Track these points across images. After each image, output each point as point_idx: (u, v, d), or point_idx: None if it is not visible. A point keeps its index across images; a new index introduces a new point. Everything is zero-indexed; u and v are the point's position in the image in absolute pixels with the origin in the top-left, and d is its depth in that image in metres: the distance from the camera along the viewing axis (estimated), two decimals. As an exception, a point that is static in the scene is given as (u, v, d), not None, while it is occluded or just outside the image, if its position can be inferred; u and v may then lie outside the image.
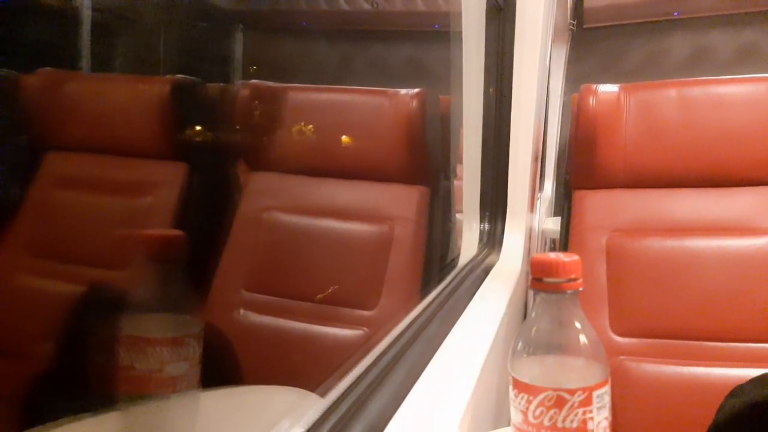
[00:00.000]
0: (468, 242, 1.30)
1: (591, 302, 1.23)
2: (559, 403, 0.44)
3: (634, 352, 1.18)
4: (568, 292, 0.47)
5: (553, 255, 0.49)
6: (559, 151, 3.31)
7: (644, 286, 1.23)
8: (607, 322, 1.21)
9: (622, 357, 1.17)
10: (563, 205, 1.47)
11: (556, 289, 0.47)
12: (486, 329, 0.81)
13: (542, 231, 1.94)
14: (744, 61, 3.72)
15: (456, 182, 1.48)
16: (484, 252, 1.26)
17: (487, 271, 1.13)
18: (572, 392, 0.44)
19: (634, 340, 1.19)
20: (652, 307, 1.21)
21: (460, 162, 1.40)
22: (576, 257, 0.49)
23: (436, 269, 1.33)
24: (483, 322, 0.84)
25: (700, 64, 3.84)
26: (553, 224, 1.77)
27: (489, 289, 1.01)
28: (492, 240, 1.29)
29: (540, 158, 1.65)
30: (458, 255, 1.29)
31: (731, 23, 3.79)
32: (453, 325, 0.79)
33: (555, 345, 0.47)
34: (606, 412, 0.45)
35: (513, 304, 1.02)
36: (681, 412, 1.11)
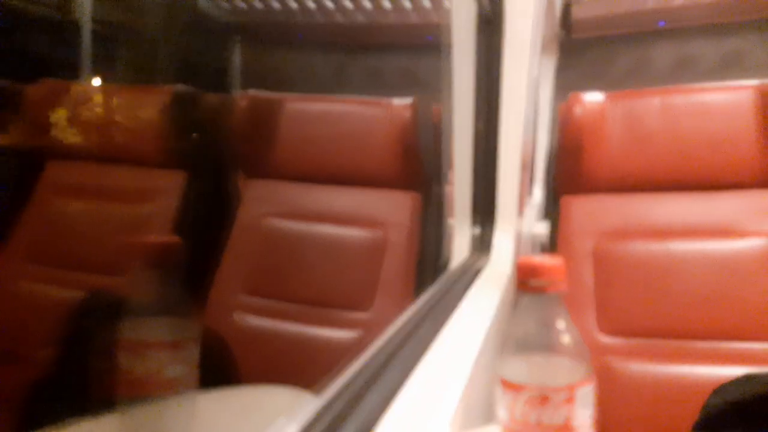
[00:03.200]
0: (459, 246, 1.30)
1: (578, 303, 1.23)
2: (543, 400, 0.44)
3: (621, 352, 1.18)
4: (552, 293, 0.48)
5: (537, 258, 0.50)
6: (548, 158, 3.31)
7: (630, 288, 1.24)
8: (594, 322, 1.22)
9: (608, 357, 1.18)
10: (551, 210, 1.48)
11: (539, 291, 0.48)
12: (476, 329, 0.81)
13: (531, 235, 1.94)
14: (728, 68, 3.75)
15: (448, 188, 1.49)
16: (474, 256, 1.26)
17: (477, 274, 1.13)
18: (556, 390, 0.44)
19: (620, 341, 1.20)
20: (638, 308, 1.22)
21: (453, 169, 1.41)
22: (559, 260, 0.49)
23: (429, 272, 1.33)
24: (473, 322, 0.84)
25: (685, 72, 3.87)
26: (542, 228, 1.78)
27: (479, 291, 1.02)
28: (482, 244, 1.29)
29: (530, 165, 1.66)
30: (451, 257, 1.30)
31: (716, 32, 3.82)
32: (444, 325, 0.80)
33: (539, 345, 0.48)
34: (590, 410, 0.45)
35: (502, 306, 1.03)
36: (666, 410, 1.11)
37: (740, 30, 3.75)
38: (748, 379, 0.64)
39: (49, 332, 0.89)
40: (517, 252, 1.34)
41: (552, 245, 1.42)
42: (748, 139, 1.29)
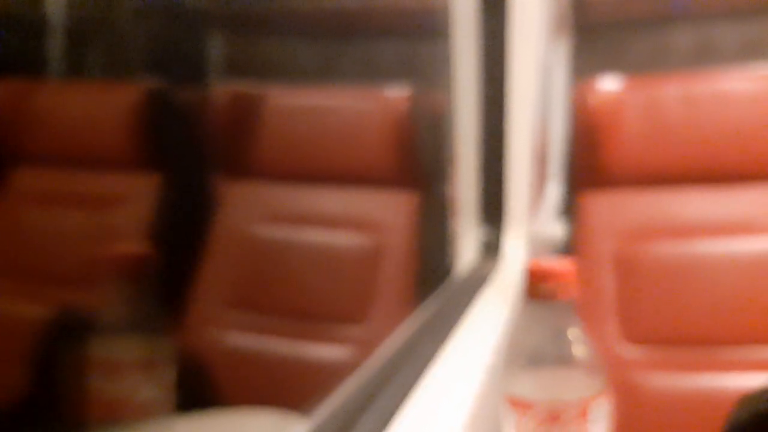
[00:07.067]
0: (464, 251, 1.31)
1: (599, 311, 1.24)
2: (552, 417, 0.45)
3: (644, 363, 1.19)
4: (563, 300, 0.49)
5: (546, 262, 0.51)
6: (563, 151, 3.31)
7: (656, 292, 1.24)
8: (616, 331, 1.22)
9: (630, 369, 1.18)
10: (568, 208, 1.48)
11: (549, 298, 0.49)
12: (484, 344, 0.81)
13: (546, 236, 1.94)
14: (750, 54, 3.75)
15: (451, 186, 1.49)
16: (481, 261, 1.27)
17: (485, 282, 1.13)
18: (566, 405, 0.45)
19: (644, 350, 1.20)
20: (665, 313, 1.22)
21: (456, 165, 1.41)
22: (570, 263, 0.50)
23: (430, 280, 1.34)
24: (481, 336, 0.85)
25: (705, 58, 3.87)
26: (558, 229, 1.79)
27: (487, 302, 1.02)
28: (490, 248, 1.30)
29: (543, 159, 1.67)
30: (455, 263, 1.30)
31: (738, 14, 3.83)
32: (448, 340, 0.80)
33: (549, 357, 0.48)
34: (603, 425, 0.46)
35: (514, 317, 1.03)
36: (693, 422, 1.12)
37: (763, 14, 3.76)
38: None
39: (14, 352, 0.89)
40: (530, 256, 1.34)
41: (568, 248, 1.43)
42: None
